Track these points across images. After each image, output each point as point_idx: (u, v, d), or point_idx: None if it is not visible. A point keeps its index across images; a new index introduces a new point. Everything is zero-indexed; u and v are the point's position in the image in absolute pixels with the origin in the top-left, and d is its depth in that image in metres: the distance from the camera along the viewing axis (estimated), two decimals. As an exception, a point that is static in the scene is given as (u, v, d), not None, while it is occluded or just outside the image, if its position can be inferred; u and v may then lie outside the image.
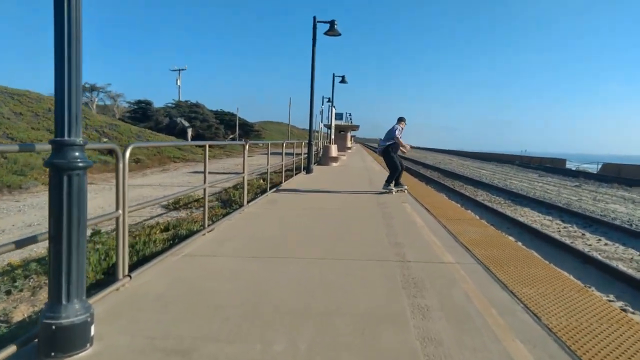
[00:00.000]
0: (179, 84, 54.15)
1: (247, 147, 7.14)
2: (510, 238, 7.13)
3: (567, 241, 7.54)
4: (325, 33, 14.35)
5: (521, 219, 9.43)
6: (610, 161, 36.42)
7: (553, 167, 37.23)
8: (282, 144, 11.19)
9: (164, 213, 9.66)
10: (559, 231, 8.61)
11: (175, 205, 10.13)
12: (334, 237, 5.28)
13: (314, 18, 14.37)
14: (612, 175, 28.24)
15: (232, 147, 37.85)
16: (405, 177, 15.35)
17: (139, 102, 45.08)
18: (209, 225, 5.64)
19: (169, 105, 47.11)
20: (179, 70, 54.83)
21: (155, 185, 15.04)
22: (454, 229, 5.84)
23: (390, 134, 9.41)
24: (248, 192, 12.25)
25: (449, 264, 4.22)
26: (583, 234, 8.45)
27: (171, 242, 5.50)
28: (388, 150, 9.43)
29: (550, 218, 10.14)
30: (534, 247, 7.35)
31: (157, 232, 6.27)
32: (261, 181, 13.85)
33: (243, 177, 7.14)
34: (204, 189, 5.30)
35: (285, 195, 8.94)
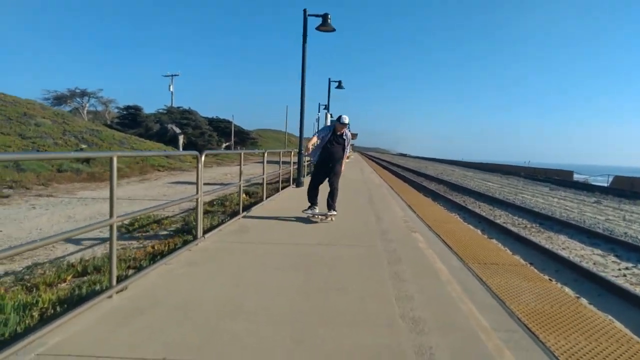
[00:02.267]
0: (171, 89, 52.29)
1: (202, 158, 5.19)
2: (584, 301, 5.04)
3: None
4: (317, 28, 12.50)
5: (566, 254, 7.41)
6: (616, 173, 34.61)
7: (561, 179, 35.36)
8: (263, 153, 9.24)
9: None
10: (625, 276, 6.49)
11: (129, 228, 8.15)
12: (314, 310, 3.30)
13: (304, 11, 12.53)
14: (627, 189, 26.41)
15: (224, 155, 35.99)
16: (409, 192, 13.41)
17: (128, 107, 43.21)
18: (125, 278, 3.68)
19: (160, 111, 45.24)
20: (172, 75, 53.03)
21: (124, 199, 13.06)
22: (498, 286, 3.88)
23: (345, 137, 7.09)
24: (223, 211, 10.37)
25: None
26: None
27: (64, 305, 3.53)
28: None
29: (601, 252, 8.07)
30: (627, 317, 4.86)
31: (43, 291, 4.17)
32: (243, 195, 11.90)
33: (197, 200, 5.17)
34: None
35: (261, 221, 6.97)
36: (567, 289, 5.45)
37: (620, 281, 6.08)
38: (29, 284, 4.37)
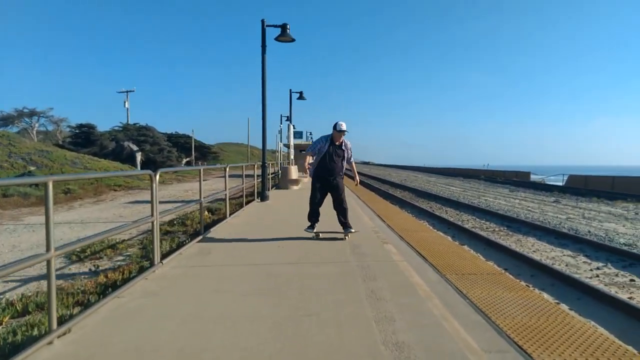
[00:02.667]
0: (127, 106, 50.62)
1: (157, 177, 4.76)
2: (564, 307, 4.89)
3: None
4: (276, 39, 12.26)
5: (538, 258, 7.36)
6: (570, 172, 36.08)
7: (519, 180, 36.50)
8: (225, 168, 8.82)
9: (62, 267, 7.01)
10: (598, 276, 6.45)
11: (80, 255, 7.50)
12: (286, 347, 2.96)
13: (262, 22, 12.27)
14: (581, 187, 27.51)
15: (188, 171, 34.96)
16: (376, 200, 13.26)
17: (80, 126, 41.36)
18: (69, 319, 3.22)
19: (116, 128, 43.62)
20: (127, 92, 51.35)
21: (76, 223, 12.22)
22: (480, 299, 3.67)
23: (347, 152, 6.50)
24: (184, 231, 9.83)
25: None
26: (632, 280, 6.38)
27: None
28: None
29: (570, 253, 8.07)
30: (617, 326, 4.63)
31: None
32: (206, 213, 11.38)
33: (152, 223, 4.72)
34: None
35: (224, 241, 6.56)
36: (545, 295, 5.34)
37: (594, 282, 6.07)
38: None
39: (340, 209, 6.40)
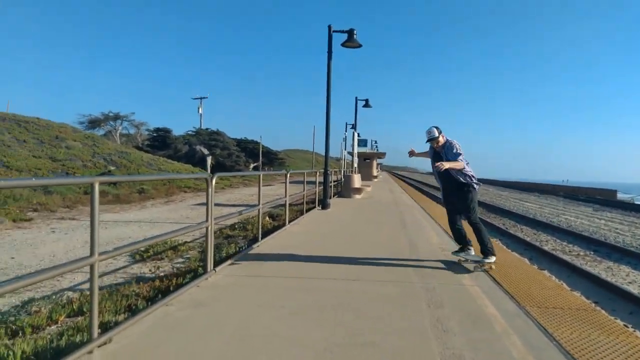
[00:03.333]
0: (200, 112, 53.14)
1: (213, 182, 4.62)
2: None
3: None
4: (343, 44, 12.05)
5: (637, 292, 6.38)
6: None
7: (604, 198, 33.36)
8: (286, 174, 8.65)
9: (125, 266, 7.17)
10: None
11: (143, 254, 7.65)
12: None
13: (329, 27, 12.10)
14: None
15: (251, 176, 35.82)
16: (445, 215, 12.31)
17: (157, 130, 44.00)
18: (112, 327, 3.09)
19: (189, 132, 45.85)
20: (201, 98, 53.94)
21: (146, 222, 12.73)
22: (570, 342, 3.06)
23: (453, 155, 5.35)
24: (244, 236, 9.78)
25: None
26: None
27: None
28: (463, 185, 5.36)
29: None
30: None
31: None
32: (267, 218, 11.33)
33: (206, 228, 4.57)
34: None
35: (281, 249, 6.33)
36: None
37: None
38: (14, 326, 3.84)
39: (475, 230, 5.38)
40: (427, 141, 5.49)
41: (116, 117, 55.29)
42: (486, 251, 5.24)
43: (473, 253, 5.48)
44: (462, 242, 5.56)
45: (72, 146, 24.61)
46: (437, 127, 5.43)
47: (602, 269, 8.16)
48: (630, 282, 7.17)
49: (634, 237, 12.94)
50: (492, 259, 5.22)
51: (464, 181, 5.31)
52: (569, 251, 9.93)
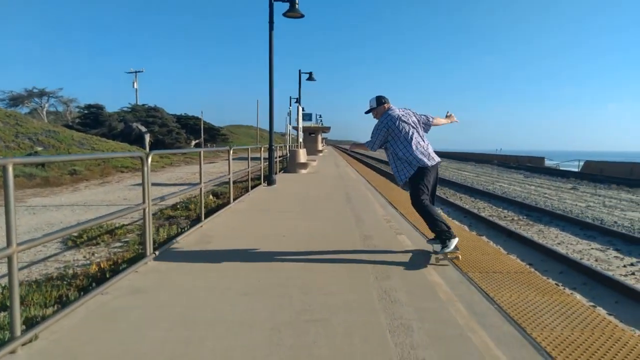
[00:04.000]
0: (135, 86, 50.26)
1: (149, 161, 4.32)
2: (602, 311, 4.41)
3: None
4: (285, 14, 11.67)
5: (564, 251, 6.83)
6: (585, 158, 35.06)
7: (533, 165, 35.65)
8: (229, 151, 8.36)
9: (56, 254, 6.67)
10: (634, 274, 5.77)
11: (77, 240, 7.15)
12: None
13: (269, -5, 11.65)
14: (597, 173, 26.73)
15: (192, 153, 34.66)
16: (387, 186, 12.56)
17: (89, 106, 41.16)
18: (39, 322, 2.83)
19: (124, 109, 43.35)
20: (136, 72, 50.91)
21: (79, 205, 11.94)
22: (510, 305, 3.19)
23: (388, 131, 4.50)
24: (187, 216, 9.42)
25: None
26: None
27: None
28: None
29: (599, 246, 7.49)
30: None
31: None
32: (210, 197, 10.99)
33: (144, 210, 4.29)
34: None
35: (225, 229, 6.15)
36: (578, 296, 4.86)
37: (630, 281, 5.54)
38: None
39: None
40: (366, 112, 4.82)
41: (41, 94, 51.20)
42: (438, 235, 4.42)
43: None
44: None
45: (-10, 126, 22.48)
46: (380, 97, 4.67)
47: (534, 232, 8.69)
48: (559, 243, 7.70)
49: (560, 201, 13.92)
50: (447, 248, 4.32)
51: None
52: (504, 217, 10.50)
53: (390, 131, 4.48)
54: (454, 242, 4.31)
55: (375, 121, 4.67)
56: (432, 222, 4.36)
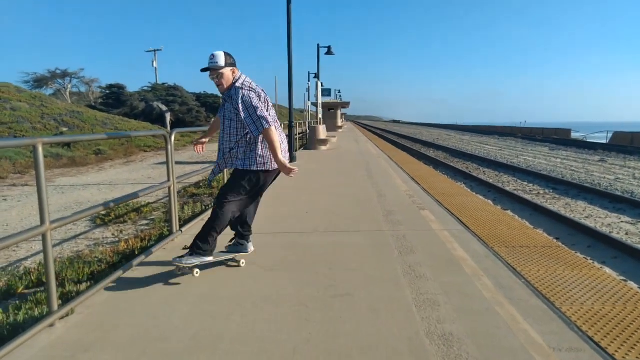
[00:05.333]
0: (155, 65, 50.43)
1: (172, 138, 4.36)
2: (633, 285, 4.37)
3: None
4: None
5: (592, 225, 6.67)
6: (614, 129, 33.81)
7: (559, 138, 34.66)
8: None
9: (86, 232, 6.87)
10: None
11: (104, 219, 7.34)
12: (315, 335, 2.57)
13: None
14: (627, 145, 25.85)
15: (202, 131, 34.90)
16: (409, 161, 12.48)
17: (110, 86, 41.58)
18: (73, 297, 2.93)
19: (145, 88, 43.67)
20: (155, 50, 51.00)
21: (105, 184, 12.23)
22: (538, 279, 3.15)
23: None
24: (210, 194, 9.53)
25: None
26: None
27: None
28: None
29: (629, 219, 7.24)
30: None
31: None
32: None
33: (169, 188, 4.35)
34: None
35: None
36: (607, 270, 4.76)
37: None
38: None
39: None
40: (203, 70, 3.29)
41: (64, 75, 51.83)
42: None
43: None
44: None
45: (17, 107, 22.97)
46: (227, 54, 3.27)
47: (560, 205, 8.50)
48: (587, 217, 7.51)
49: (587, 174, 13.55)
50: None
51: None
52: (530, 190, 10.29)
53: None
54: (203, 260, 3.34)
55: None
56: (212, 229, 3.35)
